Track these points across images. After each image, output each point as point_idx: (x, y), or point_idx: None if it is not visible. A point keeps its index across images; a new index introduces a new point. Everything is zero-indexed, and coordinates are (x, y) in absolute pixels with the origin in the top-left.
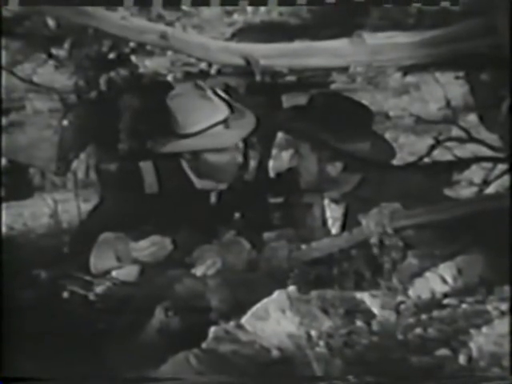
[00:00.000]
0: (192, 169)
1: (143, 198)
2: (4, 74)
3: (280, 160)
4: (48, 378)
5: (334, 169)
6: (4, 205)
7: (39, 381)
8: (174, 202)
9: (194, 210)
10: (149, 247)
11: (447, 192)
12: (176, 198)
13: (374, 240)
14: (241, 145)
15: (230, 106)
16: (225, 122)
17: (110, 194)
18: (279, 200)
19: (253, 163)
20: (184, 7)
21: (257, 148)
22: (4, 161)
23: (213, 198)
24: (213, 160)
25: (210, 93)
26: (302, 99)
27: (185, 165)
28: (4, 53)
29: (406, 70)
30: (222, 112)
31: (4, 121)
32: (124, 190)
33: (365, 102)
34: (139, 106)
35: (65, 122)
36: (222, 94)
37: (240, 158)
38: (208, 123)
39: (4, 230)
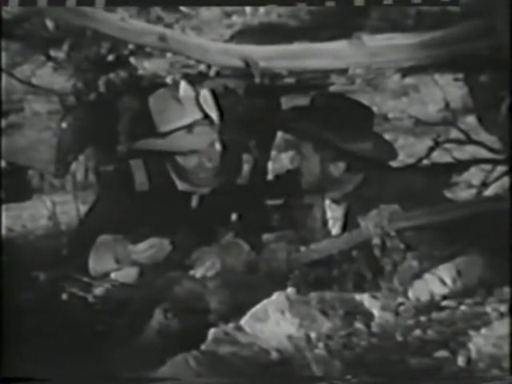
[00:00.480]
0: (173, 170)
1: (135, 197)
2: (3, 75)
3: (279, 162)
4: (48, 379)
5: (337, 169)
6: (3, 207)
7: (39, 381)
8: (163, 201)
9: (180, 212)
10: (147, 250)
11: (446, 194)
12: (164, 197)
13: (376, 241)
14: (216, 150)
15: (203, 111)
16: (189, 127)
17: (106, 195)
18: (278, 202)
19: (246, 167)
20: (183, 8)
21: (253, 152)
22: (3, 163)
23: (194, 202)
24: (182, 163)
25: (182, 95)
26: (300, 101)
27: (168, 165)
28: (3, 54)
29: (405, 72)
30: (190, 116)
31: (3, 123)
32: (118, 189)
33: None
34: (138, 108)
35: (63, 124)
36: (203, 99)
37: (209, 164)
38: (174, 126)
39: (3, 231)
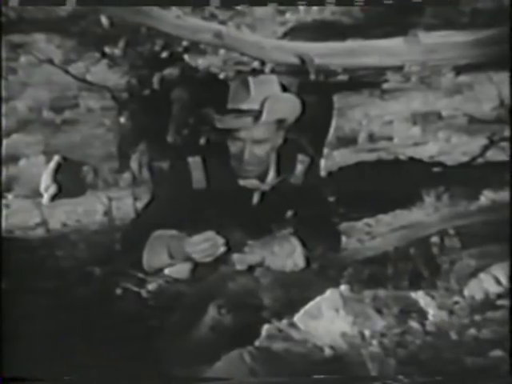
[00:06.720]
0: (235, 161)
1: (192, 195)
2: (59, 71)
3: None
4: (48, 378)
5: None
6: (59, 202)
7: (39, 381)
8: (221, 199)
9: (240, 208)
10: (202, 242)
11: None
12: (223, 195)
13: (434, 239)
14: (278, 142)
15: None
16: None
17: (162, 193)
18: (332, 199)
19: (300, 167)
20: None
21: (308, 149)
22: (58, 158)
23: (255, 198)
24: (234, 151)
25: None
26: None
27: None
28: (58, 51)
29: (460, 70)
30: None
31: (58, 119)
32: (174, 187)
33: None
34: (191, 104)
35: (122, 119)
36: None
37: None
38: (242, 106)
39: (57, 226)
